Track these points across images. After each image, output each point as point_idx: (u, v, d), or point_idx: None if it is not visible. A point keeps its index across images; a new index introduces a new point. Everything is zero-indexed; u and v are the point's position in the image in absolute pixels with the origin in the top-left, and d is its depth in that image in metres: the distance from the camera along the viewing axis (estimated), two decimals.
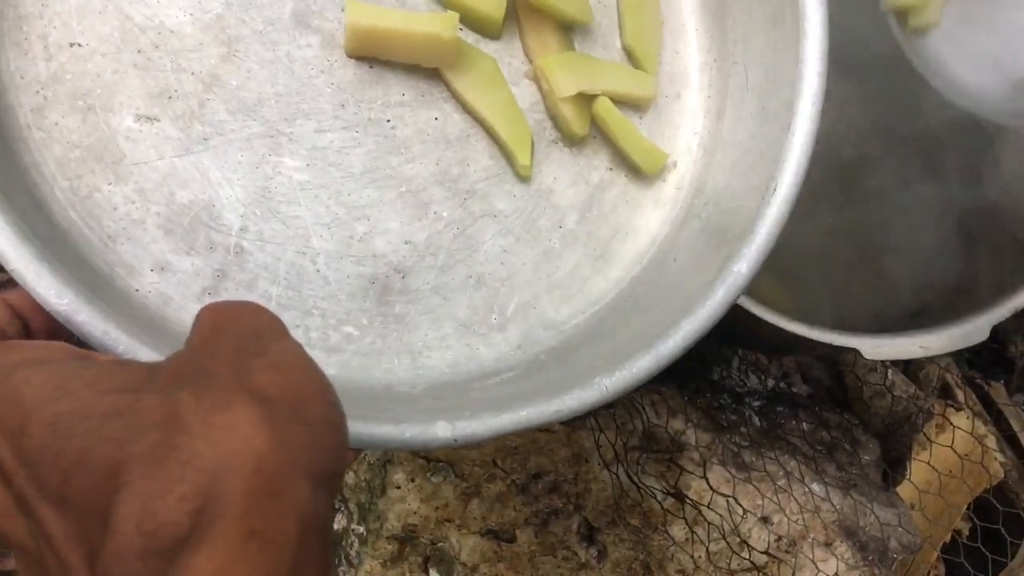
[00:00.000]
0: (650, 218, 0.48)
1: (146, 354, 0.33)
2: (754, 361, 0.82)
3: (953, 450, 0.79)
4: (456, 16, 0.43)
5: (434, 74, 0.46)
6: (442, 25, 0.43)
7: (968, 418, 0.81)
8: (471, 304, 0.44)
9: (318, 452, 0.25)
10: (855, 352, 0.60)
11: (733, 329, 0.68)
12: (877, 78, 0.74)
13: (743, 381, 0.81)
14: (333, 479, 0.26)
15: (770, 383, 0.82)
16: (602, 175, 0.48)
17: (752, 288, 0.59)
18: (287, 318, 0.41)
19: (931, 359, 0.84)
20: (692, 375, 0.78)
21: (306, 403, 0.26)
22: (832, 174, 0.77)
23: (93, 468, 0.23)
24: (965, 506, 0.81)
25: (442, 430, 0.36)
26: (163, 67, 0.41)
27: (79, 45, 0.40)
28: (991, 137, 0.72)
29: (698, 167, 0.49)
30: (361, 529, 0.68)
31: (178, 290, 0.39)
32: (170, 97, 0.41)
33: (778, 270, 0.72)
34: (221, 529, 0.22)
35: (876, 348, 0.61)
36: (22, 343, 0.29)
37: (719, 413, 0.76)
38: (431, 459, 0.68)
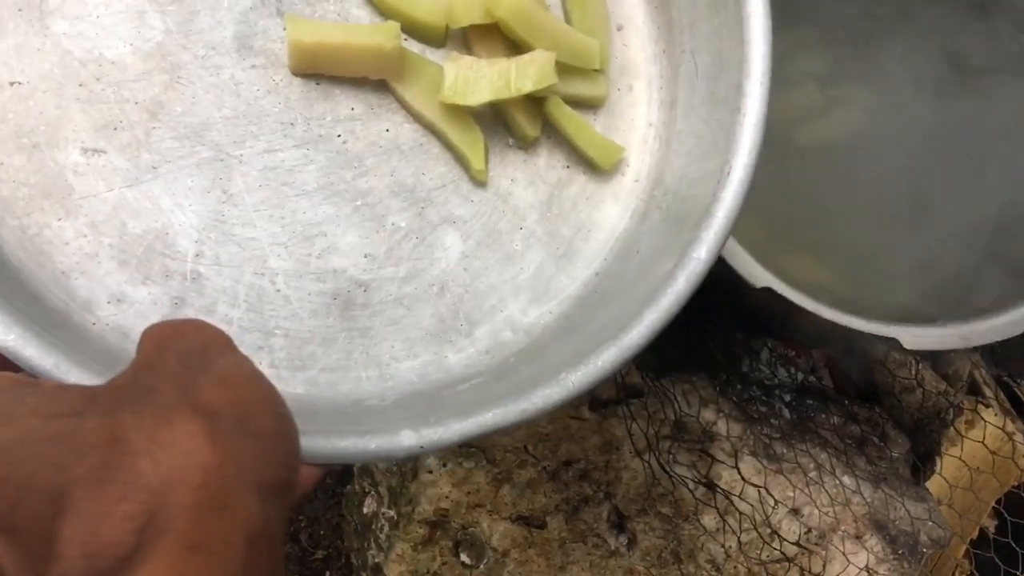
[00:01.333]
0: (610, 212, 0.48)
1: (98, 383, 0.33)
2: (783, 354, 0.82)
3: (984, 445, 0.78)
4: (397, 26, 0.43)
5: (382, 86, 0.46)
6: (384, 36, 0.43)
7: (997, 414, 0.80)
8: (436, 312, 0.44)
9: (267, 464, 0.25)
10: (887, 346, 0.58)
11: (763, 317, 0.67)
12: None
13: (772, 374, 0.80)
14: (284, 490, 0.26)
15: (799, 376, 0.81)
16: (559, 173, 0.48)
17: (792, 274, 0.58)
18: (250, 340, 0.41)
19: (961, 356, 0.83)
20: (722, 366, 0.78)
21: (253, 415, 0.26)
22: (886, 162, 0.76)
23: (37, 494, 0.23)
24: (994, 501, 0.80)
25: (407, 438, 0.36)
26: (106, 99, 0.41)
27: (19, 84, 0.40)
28: None
29: (655, 158, 0.49)
30: (392, 513, 0.68)
31: (136, 321, 0.39)
32: (115, 128, 0.41)
33: (824, 253, 0.71)
34: (164, 544, 0.21)
35: (917, 338, 0.59)
36: None
37: (749, 405, 0.76)
38: (463, 444, 0.67)
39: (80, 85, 0.41)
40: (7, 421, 0.25)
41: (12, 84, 0.40)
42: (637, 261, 0.46)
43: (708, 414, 0.71)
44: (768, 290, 0.56)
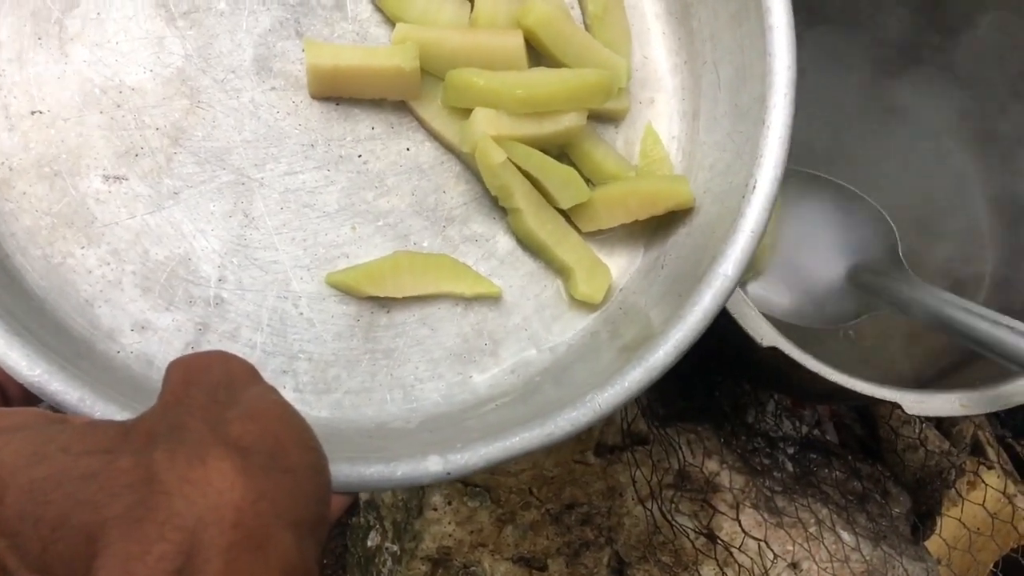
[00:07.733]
0: (634, 227, 0.47)
1: (126, 417, 0.33)
2: (789, 406, 0.82)
3: (984, 508, 0.78)
4: (415, 47, 0.43)
5: (402, 105, 0.45)
6: (402, 57, 0.43)
7: (999, 476, 0.81)
8: (460, 332, 0.44)
9: (301, 499, 0.25)
10: (892, 404, 0.59)
11: (769, 373, 0.67)
12: None
13: (777, 426, 0.81)
14: (319, 525, 0.26)
15: (804, 429, 0.82)
16: None
17: (793, 333, 0.59)
18: (274, 364, 0.41)
19: (966, 416, 0.83)
20: (727, 417, 0.79)
21: (285, 450, 0.25)
22: None
23: (71, 533, 0.23)
24: (992, 564, 0.81)
25: (434, 464, 0.35)
26: (127, 125, 0.41)
27: (40, 112, 0.40)
28: None
29: (678, 171, 0.48)
30: (395, 548, 0.68)
31: (160, 348, 0.39)
32: (136, 155, 0.41)
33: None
34: None
35: (918, 404, 0.59)
36: None
37: (753, 456, 0.76)
38: (469, 484, 0.69)
39: (101, 112, 0.41)
40: (39, 459, 0.24)
41: (33, 113, 0.40)
42: (663, 276, 0.45)
43: (712, 465, 0.72)
44: (774, 349, 0.57)
